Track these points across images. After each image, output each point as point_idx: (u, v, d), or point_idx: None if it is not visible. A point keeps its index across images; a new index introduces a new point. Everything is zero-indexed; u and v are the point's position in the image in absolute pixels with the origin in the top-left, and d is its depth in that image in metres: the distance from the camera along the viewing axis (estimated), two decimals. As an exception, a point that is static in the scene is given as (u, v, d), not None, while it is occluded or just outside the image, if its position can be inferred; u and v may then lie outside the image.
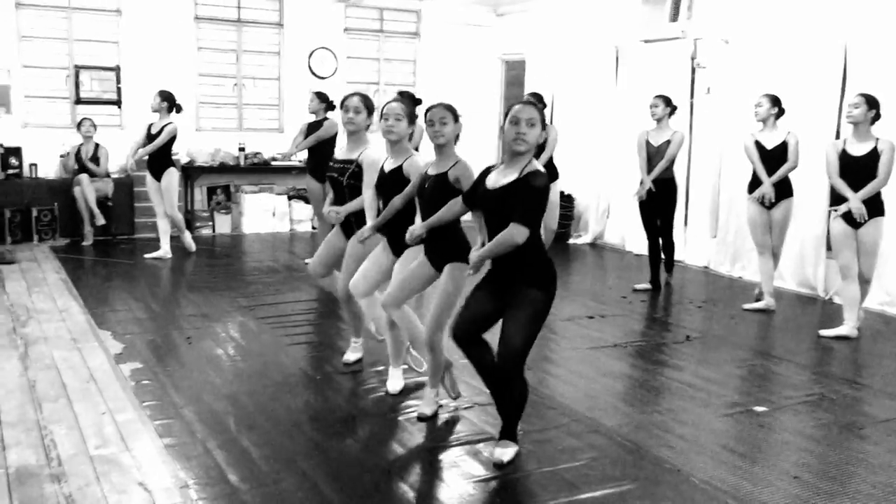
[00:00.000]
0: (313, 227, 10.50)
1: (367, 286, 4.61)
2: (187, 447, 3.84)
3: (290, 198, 10.82)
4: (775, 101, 6.58)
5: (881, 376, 5.24)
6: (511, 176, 3.56)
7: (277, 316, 6.32)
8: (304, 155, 8.79)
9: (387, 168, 4.47)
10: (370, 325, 5.16)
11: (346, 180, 4.74)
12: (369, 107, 4.83)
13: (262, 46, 10.89)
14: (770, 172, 6.53)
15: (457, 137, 4.08)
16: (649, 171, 7.26)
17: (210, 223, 10.41)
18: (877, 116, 5.77)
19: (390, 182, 4.40)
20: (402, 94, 7.84)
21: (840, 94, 7.09)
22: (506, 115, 3.71)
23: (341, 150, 4.91)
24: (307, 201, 10.12)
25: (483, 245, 3.72)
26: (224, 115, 10.84)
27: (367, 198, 4.60)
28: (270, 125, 11.04)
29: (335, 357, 5.37)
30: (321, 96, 8.23)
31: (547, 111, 7.77)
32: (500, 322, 3.66)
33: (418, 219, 4.19)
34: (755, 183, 6.64)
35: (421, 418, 4.25)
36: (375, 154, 4.67)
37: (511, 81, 11.92)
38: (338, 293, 5.05)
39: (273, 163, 10.49)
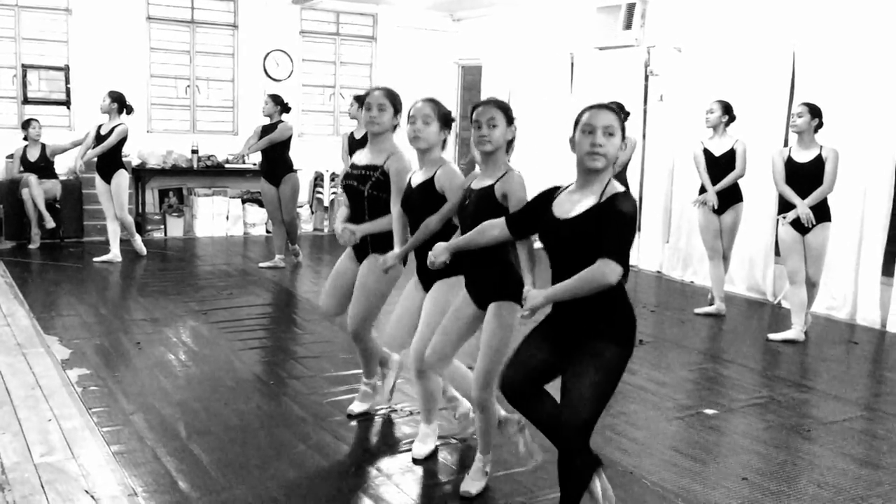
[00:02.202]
0: (267, 231, 10.40)
1: (404, 335, 3.80)
2: (136, 454, 3.77)
3: (244, 201, 10.71)
4: (727, 108, 6.70)
5: (827, 379, 5.36)
6: (588, 200, 2.84)
7: (230, 320, 6.25)
8: (258, 158, 8.70)
9: (414, 182, 3.65)
10: (448, 394, 4.03)
11: (367, 190, 3.89)
12: (396, 104, 3.97)
13: (216, 48, 10.77)
14: (718, 179, 6.64)
15: (509, 144, 3.34)
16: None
17: (162, 226, 10.25)
18: (819, 125, 5.91)
19: (419, 199, 3.59)
20: (358, 98, 7.84)
21: (788, 101, 7.25)
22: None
23: (362, 155, 4.05)
24: (261, 204, 10.02)
25: (534, 283, 3.05)
26: (177, 117, 10.68)
27: (395, 215, 3.78)
28: (224, 127, 10.91)
29: (288, 362, 5.32)
30: (276, 99, 8.16)
31: None
32: (552, 377, 3.03)
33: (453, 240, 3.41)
34: (704, 190, 6.75)
35: (464, 497, 3.45)
36: (405, 160, 3.86)
37: (468, 86, 11.96)
38: (347, 328, 4.19)
39: (227, 165, 10.37)
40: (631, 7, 8.83)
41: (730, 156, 6.61)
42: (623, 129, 2.88)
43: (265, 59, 10.93)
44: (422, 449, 3.82)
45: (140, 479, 3.52)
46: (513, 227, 3.08)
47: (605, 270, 2.71)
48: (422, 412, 3.87)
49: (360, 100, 7.79)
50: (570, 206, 2.87)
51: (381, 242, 3.92)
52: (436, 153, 3.63)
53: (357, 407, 4.35)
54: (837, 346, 6.24)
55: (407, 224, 3.74)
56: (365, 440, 4.07)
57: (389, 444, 4.05)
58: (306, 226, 11.07)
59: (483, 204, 3.24)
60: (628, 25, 8.98)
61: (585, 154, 2.83)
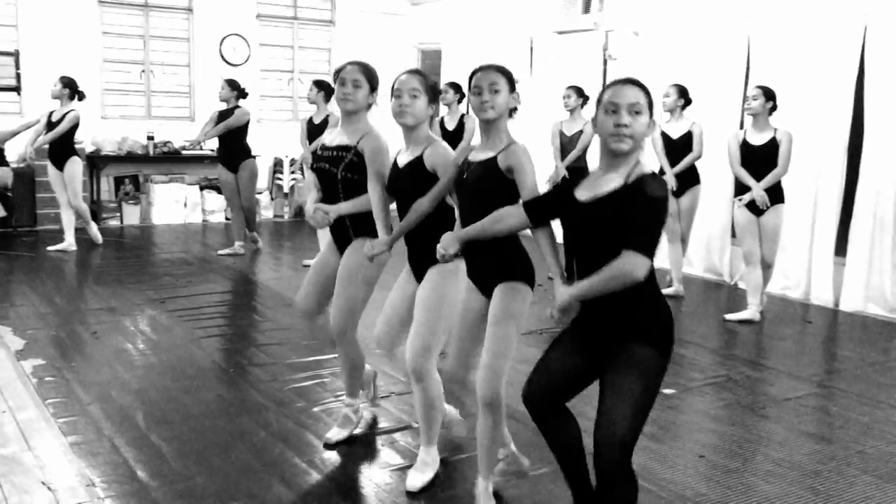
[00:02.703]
0: (226, 218, 10.28)
1: (395, 331, 3.47)
2: (93, 444, 3.72)
3: (201, 188, 10.58)
4: (682, 91, 6.76)
5: (782, 357, 5.47)
6: (612, 182, 2.56)
7: (189, 308, 6.18)
8: (215, 144, 8.59)
9: (401, 162, 3.33)
10: (446, 413, 3.64)
11: (341, 172, 3.57)
12: (372, 80, 3.63)
13: (171, 32, 10.58)
14: (675, 162, 6.71)
15: (512, 112, 3.06)
16: (563, 159, 7.37)
17: (118, 214, 10.09)
18: (774, 107, 6.00)
19: (408, 179, 3.27)
20: (317, 82, 7.77)
21: (744, 84, 7.34)
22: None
23: (333, 135, 3.74)
24: (220, 191, 9.90)
25: (563, 275, 2.73)
26: (131, 103, 10.49)
27: (376, 199, 3.47)
28: (181, 113, 10.75)
29: (249, 349, 5.28)
30: (232, 84, 8.06)
31: (463, 102, 7.79)
32: (582, 386, 2.78)
33: (458, 227, 3.11)
34: (663, 172, 6.82)
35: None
36: (381, 139, 3.56)
37: (427, 71, 11.88)
38: (330, 329, 3.78)
39: (183, 152, 10.22)
40: (589, -9, 8.86)
41: (687, 138, 6.67)
42: (651, 106, 2.60)
43: (221, 43, 10.78)
44: (417, 480, 3.37)
45: (97, 469, 3.47)
46: (532, 212, 2.81)
47: (632, 264, 2.44)
48: (421, 430, 3.43)
49: (319, 84, 7.74)
50: (595, 189, 2.59)
51: (363, 226, 3.60)
52: (423, 130, 3.31)
53: (336, 434, 3.84)
54: (792, 325, 6.36)
55: (389, 208, 3.48)
56: (327, 426, 4.05)
57: (350, 431, 4.03)
58: (266, 212, 10.98)
59: (487, 177, 2.94)
60: (587, 9, 9.02)
61: (609, 135, 2.56)
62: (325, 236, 7.75)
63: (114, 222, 10.01)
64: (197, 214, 10.49)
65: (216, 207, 10.54)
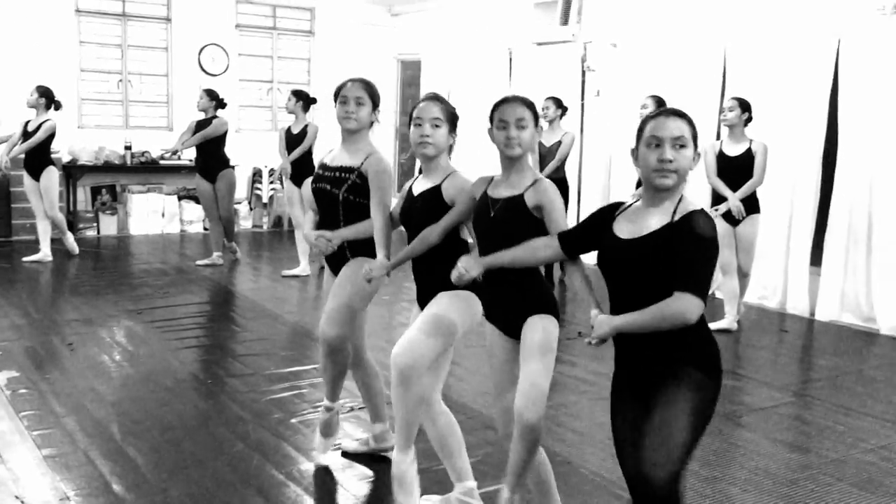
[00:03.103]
0: (205, 228, 10.22)
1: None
2: (68, 457, 3.68)
3: (179, 198, 10.52)
4: (660, 103, 6.80)
5: (759, 367, 5.51)
6: (658, 219, 2.44)
7: (167, 319, 6.13)
8: (193, 154, 8.55)
9: (416, 190, 3.21)
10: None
11: (343, 194, 3.45)
12: (375, 98, 3.55)
13: (150, 42, 10.54)
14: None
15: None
16: (541, 170, 7.40)
17: (94, 224, 10.01)
18: (749, 119, 6.07)
19: (421, 209, 3.14)
20: (296, 92, 7.77)
21: (720, 96, 7.42)
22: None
23: (334, 154, 3.60)
24: (198, 201, 9.84)
25: (598, 304, 2.64)
26: (109, 113, 10.42)
27: (378, 220, 3.36)
28: (159, 123, 10.69)
29: (227, 360, 5.25)
30: (211, 94, 8.03)
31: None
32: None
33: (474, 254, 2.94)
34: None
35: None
36: (385, 161, 3.48)
37: (407, 81, 11.93)
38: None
39: (161, 162, 10.16)
40: (567, 3, 8.93)
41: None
42: (695, 137, 2.46)
43: (200, 53, 10.74)
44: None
45: (72, 482, 3.43)
46: (567, 246, 2.70)
47: (684, 307, 2.32)
48: (447, 463, 3.24)
49: (298, 94, 7.73)
50: (637, 227, 2.47)
51: (360, 249, 3.48)
52: (443, 159, 3.18)
53: (353, 446, 3.82)
54: (769, 334, 6.42)
55: (390, 233, 3.37)
56: (305, 438, 4.03)
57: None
58: (245, 222, 10.94)
59: (513, 214, 2.82)
60: (565, 21, 9.08)
61: (652, 171, 2.43)
62: (305, 248, 7.78)
63: (90, 233, 9.92)
64: (175, 225, 10.43)
65: (194, 217, 10.48)
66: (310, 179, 3.81)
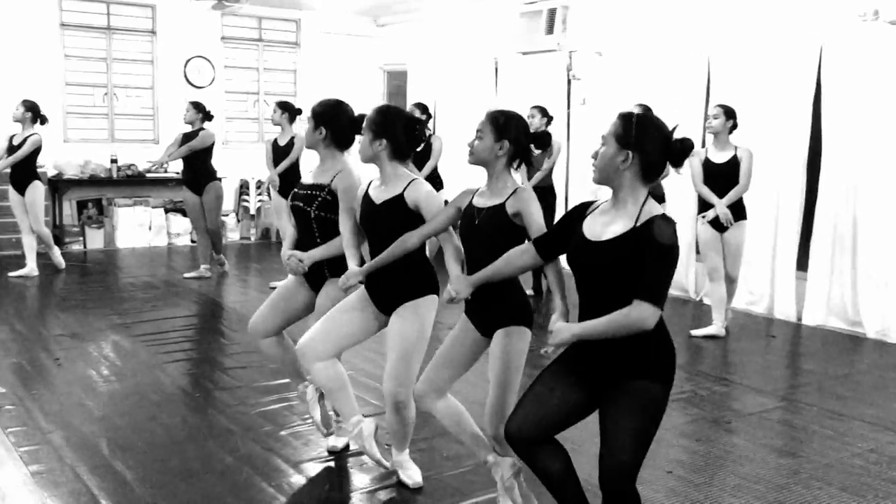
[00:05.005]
0: (192, 241, 10.20)
1: (326, 348, 3.39)
2: (55, 474, 3.65)
3: (166, 210, 10.48)
4: (647, 111, 6.83)
5: (747, 372, 5.53)
6: (621, 223, 2.53)
7: (154, 333, 6.10)
8: (180, 166, 8.53)
9: (377, 197, 3.34)
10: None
11: (314, 211, 3.59)
12: (320, 117, 3.63)
13: (135, 55, 10.52)
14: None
15: (513, 162, 3.09)
16: (529, 179, 7.42)
17: (81, 238, 9.96)
18: (734, 126, 6.11)
19: (385, 218, 3.30)
20: (281, 104, 7.77)
21: (704, 103, 7.47)
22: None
23: (309, 174, 3.79)
24: (185, 214, 9.82)
25: (567, 311, 2.82)
26: (94, 126, 10.39)
27: (346, 232, 3.50)
28: (145, 136, 10.66)
29: (215, 373, 5.23)
30: (197, 106, 8.02)
31: (430, 122, 7.84)
32: (576, 420, 2.75)
33: (453, 267, 3.16)
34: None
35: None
36: (354, 176, 3.58)
37: (393, 92, 11.95)
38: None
39: (148, 175, 10.13)
40: (552, 12, 8.97)
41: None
42: (618, 136, 2.55)
43: (186, 65, 10.73)
44: (417, 474, 3.57)
45: (60, 499, 3.41)
46: (542, 249, 2.83)
47: (643, 316, 2.44)
48: (397, 439, 3.52)
49: (283, 106, 7.74)
50: (602, 228, 2.57)
51: (337, 267, 3.55)
52: (401, 168, 3.36)
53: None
54: (756, 339, 6.44)
55: (358, 242, 3.48)
56: (295, 450, 4.01)
57: (321, 455, 4.00)
58: (232, 234, 10.91)
59: (496, 224, 2.99)
60: (550, 30, 9.12)
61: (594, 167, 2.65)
62: None
63: (77, 247, 9.87)
64: (162, 237, 10.39)
65: (181, 230, 10.45)
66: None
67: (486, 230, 3.00)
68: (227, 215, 10.35)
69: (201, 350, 5.91)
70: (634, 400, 2.52)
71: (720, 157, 6.10)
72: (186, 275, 8.33)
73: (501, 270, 2.91)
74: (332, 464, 3.85)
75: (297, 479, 3.70)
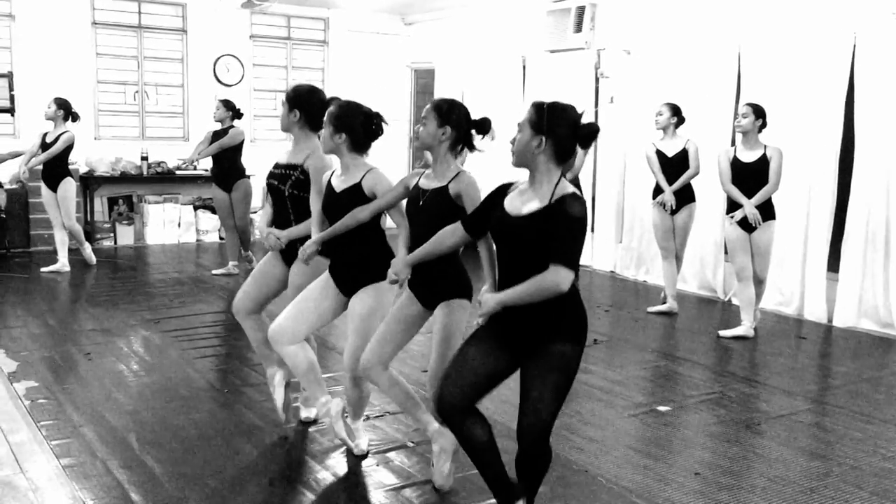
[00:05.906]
0: (220, 238, 10.29)
1: (296, 332, 3.68)
2: (86, 467, 3.70)
3: (195, 208, 10.57)
4: (675, 110, 6.80)
5: (776, 374, 5.47)
6: (537, 201, 2.81)
7: (183, 329, 6.16)
8: (209, 163, 8.60)
9: (338, 186, 3.60)
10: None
11: (288, 189, 3.88)
12: (297, 103, 3.93)
13: (165, 53, 10.62)
14: (672, 180, 6.74)
15: (457, 147, 3.36)
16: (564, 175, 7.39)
17: (111, 234, 10.07)
18: (763, 125, 6.04)
19: (346, 205, 3.54)
20: (225, 102, 8.04)
21: (735, 101, 7.39)
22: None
23: (285, 153, 4.06)
24: (213, 211, 9.90)
25: (495, 284, 3.06)
26: (125, 124, 10.51)
27: (314, 211, 3.74)
28: (175, 133, 10.76)
29: (243, 369, 5.27)
30: (227, 104, 8.08)
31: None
32: (497, 383, 3.02)
33: (401, 249, 3.41)
34: (658, 190, 6.84)
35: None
36: (326, 159, 3.83)
37: (420, 90, 11.96)
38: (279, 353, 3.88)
39: (178, 172, 10.23)
40: (581, 10, 8.92)
41: (682, 156, 6.71)
42: (533, 123, 2.84)
43: (215, 63, 10.82)
44: (364, 443, 3.91)
45: (91, 492, 3.45)
46: (470, 228, 3.07)
47: (556, 278, 2.69)
48: (353, 408, 3.87)
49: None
50: (521, 204, 2.85)
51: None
52: (361, 158, 3.62)
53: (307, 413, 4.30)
54: (786, 341, 6.37)
55: (325, 220, 3.70)
56: (322, 446, 4.04)
57: (346, 451, 4.02)
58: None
59: (440, 205, 3.28)
60: (578, 28, 9.08)
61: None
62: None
63: (108, 243, 9.99)
64: (191, 234, 10.49)
65: (210, 227, 10.54)
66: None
67: (429, 210, 3.28)
68: (255, 212, 10.42)
69: (229, 346, 5.95)
70: (551, 360, 2.81)
71: (749, 156, 6.04)
72: (215, 271, 8.41)
73: (435, 249, 3.15)
74: (358, 461, 3.87)
75: (324, 476, 3.72)
